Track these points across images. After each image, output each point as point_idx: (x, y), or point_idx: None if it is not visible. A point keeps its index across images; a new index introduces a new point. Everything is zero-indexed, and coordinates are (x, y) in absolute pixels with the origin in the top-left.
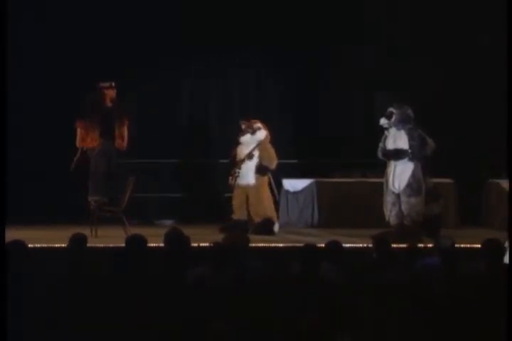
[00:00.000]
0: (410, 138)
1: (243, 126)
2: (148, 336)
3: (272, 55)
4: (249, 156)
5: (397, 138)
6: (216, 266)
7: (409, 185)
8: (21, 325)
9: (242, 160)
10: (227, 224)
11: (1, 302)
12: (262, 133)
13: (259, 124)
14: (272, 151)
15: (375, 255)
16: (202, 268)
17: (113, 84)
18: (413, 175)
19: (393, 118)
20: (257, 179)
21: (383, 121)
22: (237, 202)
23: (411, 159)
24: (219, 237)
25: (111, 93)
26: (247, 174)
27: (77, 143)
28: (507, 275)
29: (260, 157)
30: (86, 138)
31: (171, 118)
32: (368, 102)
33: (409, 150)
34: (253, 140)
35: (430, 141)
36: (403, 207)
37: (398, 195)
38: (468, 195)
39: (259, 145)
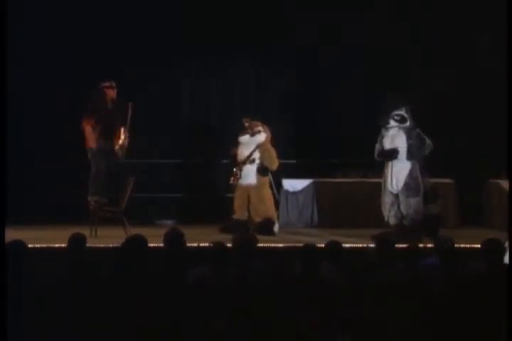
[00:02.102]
0: (409, 137)
1: (246, 124)
2: (149, 336)
3: (272, 55)
4: (251, 160)
5: (395, 138)
6: (217, 265)
7: (406, 185)
8: (21, 325)
9: (243, 162)
10: (228, 224)
11: (1, 302)
12: (261, 137)
13: (260, 128)
14: (273, 153)
15: (377, 255)
16: (202, 268)
17: (113, 83)
18: (410, 174)
19: (408, 123)
20: (258, 179)
21: (393, 124)
22: (238, 202)
23: (409, 159)
24: (219, 237)
25: (111, 93)
26: (249, 174)
27: (89, 144)
28: (507, 276)
29: (261, 158)
30: (91, 139)
31: (171, 119)
32: (368, 102)
33: (407, 150)
34: (252, 141)
35: (428, 141)
36: (402, 207)
37: (397, 195)
38: (468, 195)
39: (260, 146)
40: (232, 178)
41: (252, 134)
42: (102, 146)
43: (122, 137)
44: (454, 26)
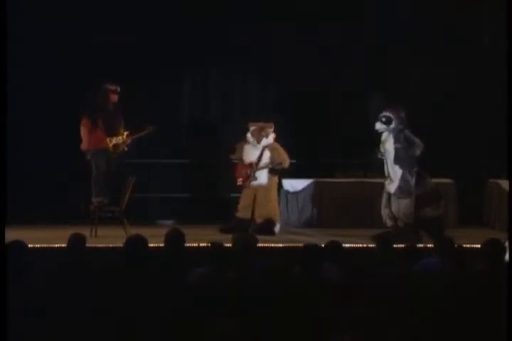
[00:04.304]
0: (396, 141)
1: (252, 128)
2: (148, 336)
3: (271, 55)
4: (265, 165)
5: (385, 142)
6: (216, 266)
7: (399, 188)
8: (21, 325)
9: (257, 165)
10: (229, 223)
11: (1, 302)
12: (270, 138)
13: (270, 129)
14: (281, 150)
15: (378, 255)
16: (202, 269)
17: (118, 88)
18: (402, 177)
19: (393, 124)
20: (269, 179)
21: (379, 126)
22: (244, 201)
23: (396, 162)
24: (219, 237)
25: (114, 97)
26: (261, 175)
27: (82, 146)
28: (507, 276)
29: (271, 157)
30: (88, 141)
31: (171, 119)
32: (368, 102)
33: (394, 153)
34: (261, 143)
35: (418, 141)
36: (393, 209)
37: (390, 196)
38: (468, 195)
39: (267, 146)
40: (241, 179)
41: (266, 136)
42: (101, 147)
43: (119, 138)
44: (454, 26)
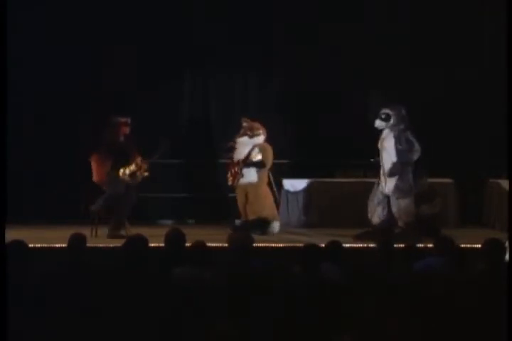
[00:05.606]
0: (397, 142)
1: (244, 124)
2: (148, 336)
3: (271, 55)
4: (251, 161)
5: (384, 140)
6: (198, 265)
7: (397, 187)
8: (21, 325)
9: (244, 162)
10: (240, 224)
11: (2, 302)
12: (259, 139)
13: (260, 131)
14: (270, 152)
15: (378, 255)
16: (184, 268)
17: (129, 120)
18: (401, 177)
19: (391, 121)
20: (258, 177)
21: (379, 123)
22: (239, 203)
23: (398, 162)
24: (219, 238)
25: (126, 129)
26: (249, 173)
27: (94, 178)
28: (507, 276)
29: (260, 153)
30: (99, 173)
31: (172, 119)
32: (367, 102)
33: (396, 155)
34: (250, 142)
35: (417, 146)
36: (393, 209)
37: (386, 197)
38: (468, 195)
39: (257, 145)
40: (230, 179)
41: (252, 136)
42: (115, 174)
43: (132, 166)
44: (454, 26)
